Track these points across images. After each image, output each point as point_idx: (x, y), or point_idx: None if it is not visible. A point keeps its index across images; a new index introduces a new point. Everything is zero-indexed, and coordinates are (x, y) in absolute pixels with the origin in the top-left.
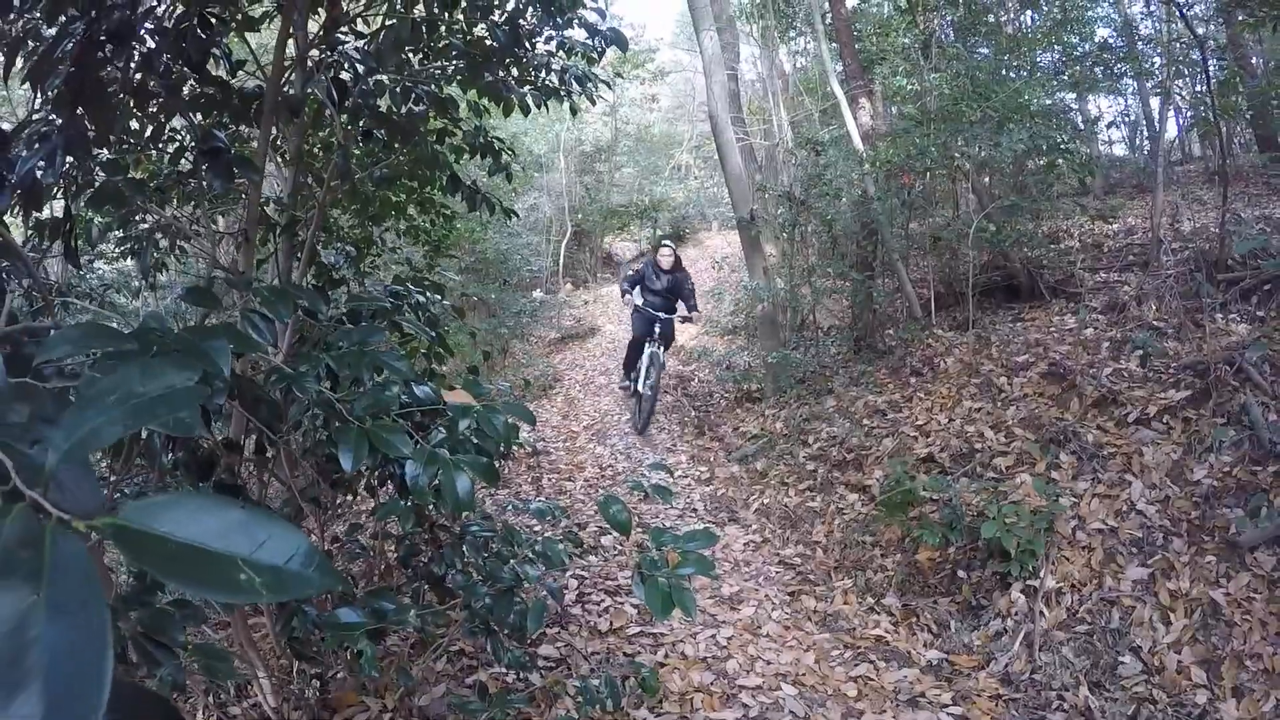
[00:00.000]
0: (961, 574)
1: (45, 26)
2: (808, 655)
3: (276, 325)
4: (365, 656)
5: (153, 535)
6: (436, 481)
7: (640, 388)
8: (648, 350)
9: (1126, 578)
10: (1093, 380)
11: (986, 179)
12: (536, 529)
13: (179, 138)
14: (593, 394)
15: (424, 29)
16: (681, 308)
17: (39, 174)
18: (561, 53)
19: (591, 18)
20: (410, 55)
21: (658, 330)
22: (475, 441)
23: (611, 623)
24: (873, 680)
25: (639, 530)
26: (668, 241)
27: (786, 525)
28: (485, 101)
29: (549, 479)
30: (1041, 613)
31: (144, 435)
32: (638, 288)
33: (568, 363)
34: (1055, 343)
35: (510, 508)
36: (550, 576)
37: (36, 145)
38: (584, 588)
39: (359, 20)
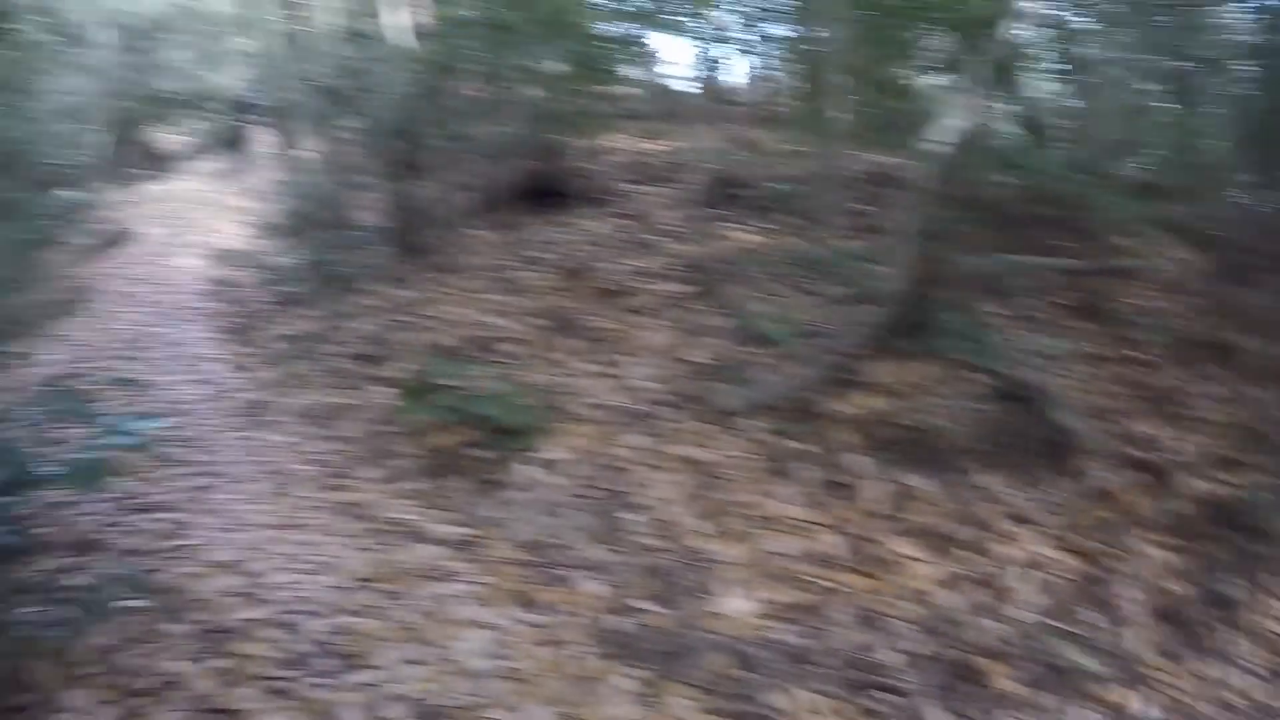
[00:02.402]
0: (478, 453)
1: None
2: (335, 544)
3: None
4: None
5: None
6: None
7: None
8: None
9: (630, 445)
10: (606, 276)
11: (535, 93)
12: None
13: None
14: (130, 305)
15: None
16: None
17: None
18: None
19: None
20: None
21: None
22: None
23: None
24: (402, 561)
25: None
26: None
27: (319, 424)
28: None
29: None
30: (552, 483)
31: None
32: None
33: (104, 273)
34: (583, 243)
35: None
36: None
37: None
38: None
39: None
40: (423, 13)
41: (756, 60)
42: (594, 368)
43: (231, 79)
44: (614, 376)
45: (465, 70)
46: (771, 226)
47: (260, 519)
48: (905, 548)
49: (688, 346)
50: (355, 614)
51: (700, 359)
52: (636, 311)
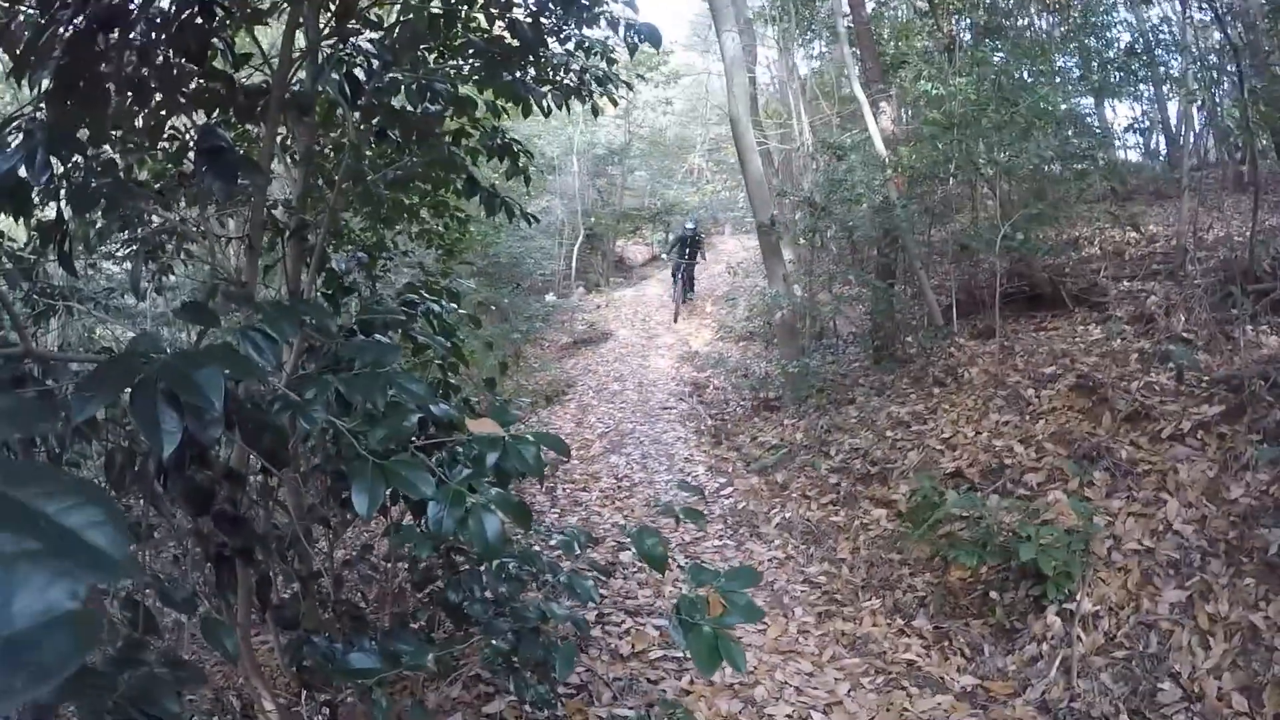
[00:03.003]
0: (994, 595)
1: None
2: (838, 681)
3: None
4: (379, 707)
5: None
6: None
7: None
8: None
9: (1164, 600)
10: (1124, 394)
11: (1007, 185)
12: (556, 549)
13: (181, 135)
14: (606, 401)
15: (441, 24)
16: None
17: (21, 174)
18: (580, 52)
19: (619, 11)
20: (426, 52)
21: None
22: (500, 469)
23: (634, 645)
24: (906, 709)
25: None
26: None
27: (810, 541)
28: (503, 102)
29: (564, 489)
30: (1079, 637)
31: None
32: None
33: (580, 368)
34: (1082, 354)
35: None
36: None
37: (18, 141)
38: (603, 607)
39: (372, 13)
40: (888, 118)
41: (1209, 113)
42: (1124, 505)
43: (689, 194)
44: (1147, 516)
45: (941, 174)
46: None
47: (759, 640)
48: None
49: (1230, 482)
50: None
51: (1244, 498)
52: (1165, 438)
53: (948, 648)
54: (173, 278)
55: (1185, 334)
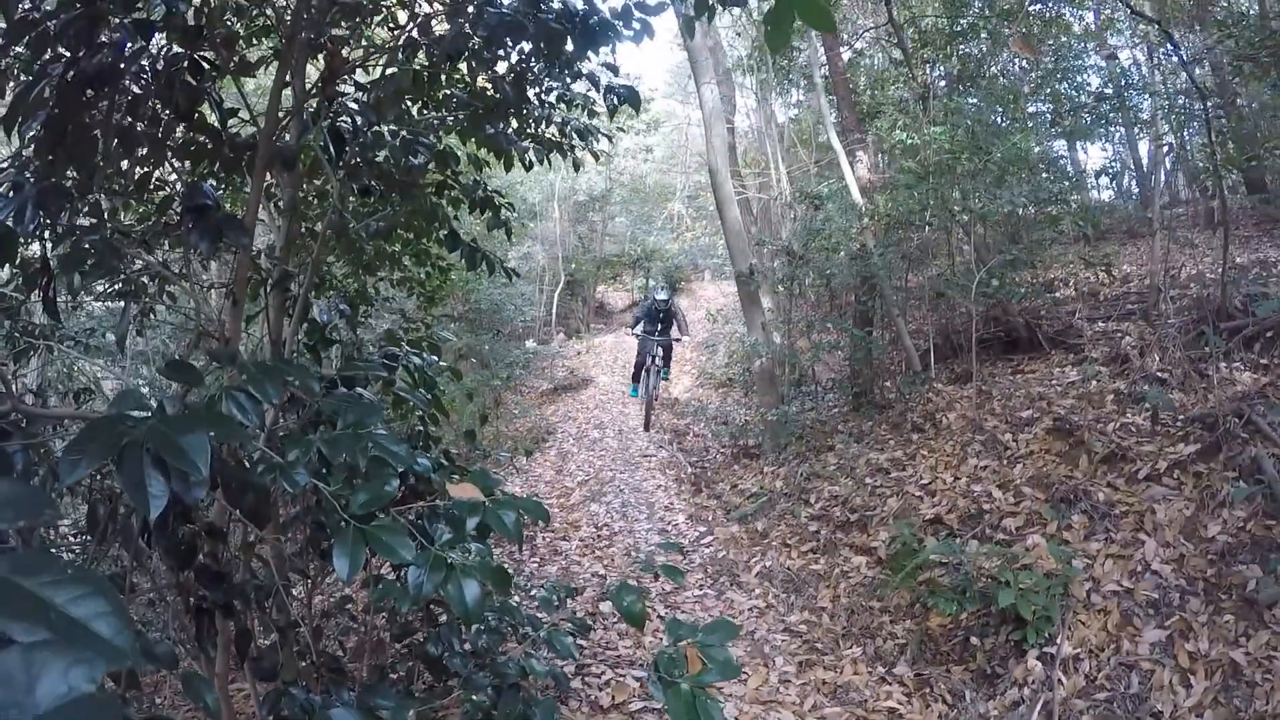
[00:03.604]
0: (975, 641)
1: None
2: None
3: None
4: None
5: None
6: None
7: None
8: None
9: (1144, 640)
10: (1100, 436)
11: (981, 230)
12: (536, 602)
13: (167, 186)
14: (587, 448)
15: (425, 80)
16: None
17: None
18: (562, 105)
19: (601, 73)
20: (410, 106)
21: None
22: (482, 525)
23: (614, 697)
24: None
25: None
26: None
27: (790, 590)
28: (485, 154)
29: (543, 538)
30: (1060, 680)
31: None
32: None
33: (560, 415)
34: (1059, 396)
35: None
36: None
37: (9, 195)
38: (583, 659)
39: (359, 69)
40: (864, 166)
41: (1176, 152)
42: (1102, 547)
43: (669, 241)
44: (1125, 557)
45: (917, 221)
46: (1276, 362)
47: (740, 690)
48: None
49: (1207, 520)
50: None
51: (1221, 536)
52: (1141, 479)
53: (929, 694)
54: (154, 319)
55: (1160, 373)
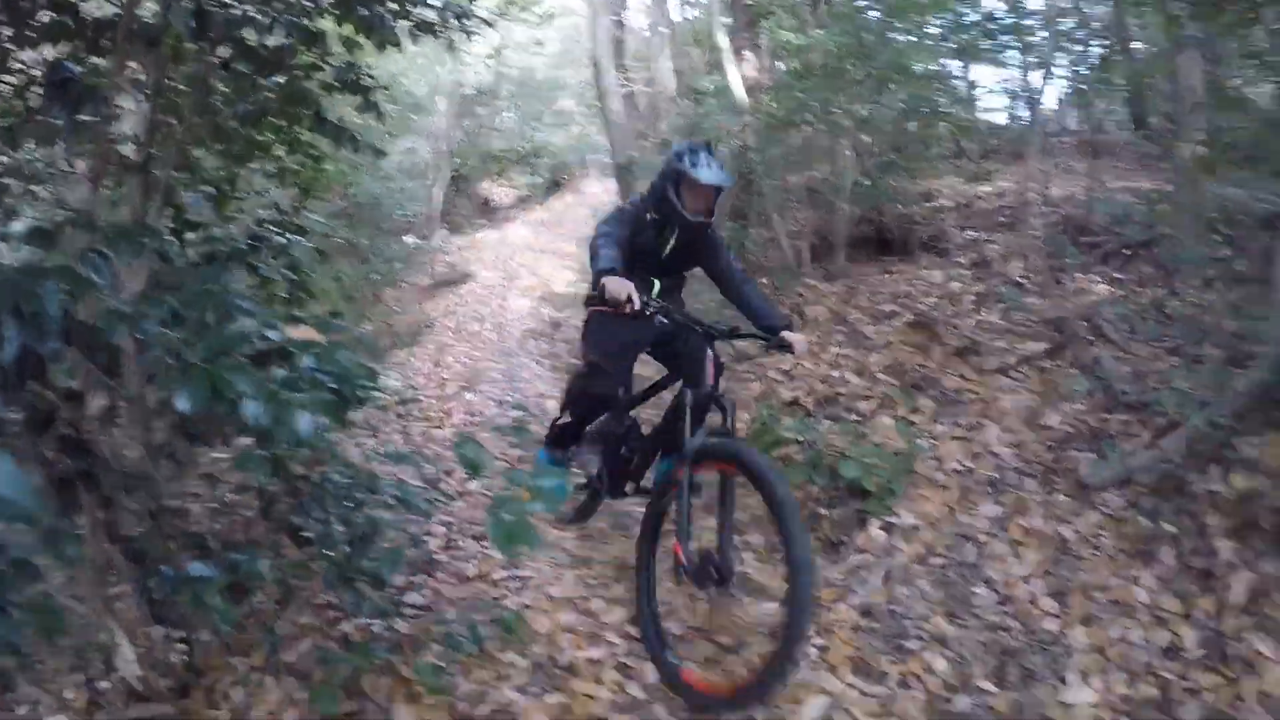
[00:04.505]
0: (823, 512)
1: None
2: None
3: (123, 269)
4: (220, 611)
5: None
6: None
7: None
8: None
9: (981, 515)
10: (955, 330)
11: (867, 137)
12: (405, 478)
13: (27, 69)
14: (465, 340)
15: None
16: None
17: None
18: None
19: None
20: None
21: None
22: (330, 385)
23: (480, 569)
24: (738, 615)
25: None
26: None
27: None
28: (360, 37)
29: (418, 427)
30: (899, 548)
31: None
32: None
33: (441, 310)
34: (922, 295)
35: (372, 458)
36: (411, 523)
37: None
38: (451, 534)
39: None
40: (752, 66)
41: (1072, 85)
42: (948, 430)
43: (556, 136)
44: (968, 440)
45: (798, 121)
46: (1129, 277)
47: (598, 554)
48: (1269, 648)
49: (1047, 411)
50: None
51: (1060, 425)
52: (991, 371)
53: (776, 559)
54: (16, 225)
55: (1020, 279)
